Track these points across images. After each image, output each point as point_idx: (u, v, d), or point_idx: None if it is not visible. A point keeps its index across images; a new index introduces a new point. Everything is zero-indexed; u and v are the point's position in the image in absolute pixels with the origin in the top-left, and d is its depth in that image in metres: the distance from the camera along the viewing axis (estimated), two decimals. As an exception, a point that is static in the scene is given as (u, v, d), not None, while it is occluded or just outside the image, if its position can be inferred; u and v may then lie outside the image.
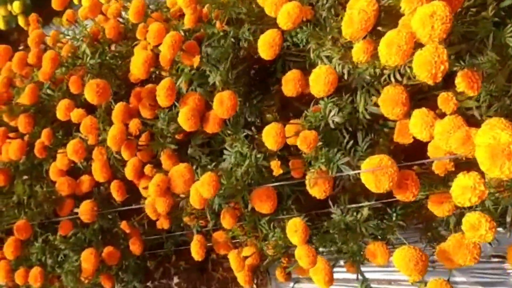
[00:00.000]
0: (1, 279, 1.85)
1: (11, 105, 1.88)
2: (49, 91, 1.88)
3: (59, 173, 1.89)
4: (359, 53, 1.14)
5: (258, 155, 1.35)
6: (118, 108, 1.60)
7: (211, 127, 1.37)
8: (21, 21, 4.00)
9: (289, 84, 1.33)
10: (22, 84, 2.04)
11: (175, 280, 2.62)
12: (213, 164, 1.54)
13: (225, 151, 1.47)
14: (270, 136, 1.25)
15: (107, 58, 1.84)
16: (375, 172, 1.11)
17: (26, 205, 1.96)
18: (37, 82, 1.92)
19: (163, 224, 1.73)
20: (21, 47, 4.33)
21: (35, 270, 1.80)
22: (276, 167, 1.25)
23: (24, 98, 1.79)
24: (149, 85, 1.77)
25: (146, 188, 1.63)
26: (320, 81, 1.19)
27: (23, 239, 1.81)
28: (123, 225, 1.91)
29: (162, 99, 1.40)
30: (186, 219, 1.71)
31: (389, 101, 1.16)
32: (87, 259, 1.79)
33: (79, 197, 1.95)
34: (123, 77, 1.93)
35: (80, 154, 1.66)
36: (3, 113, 1.93)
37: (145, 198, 1.84)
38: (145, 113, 1.73)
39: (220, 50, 1.48)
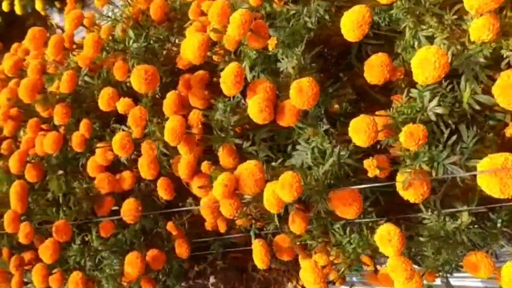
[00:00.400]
0: (37, 284, 1.70)
1: (45, 94, 1.71)
2: (87, 78, 1.70)
3: (98, 168, 1.72)
4: (481, 30, 0.95)
5: (342, 152, 1.17)
6: (170, 98, 1.42)
7: (287, 120, 1.19)
8: (38, 5, 3.83)
9: (375, 69, 1.14)
10: (55, 70, 1.86)
11: (211, 280, 2.46)
12: (279, 160, 1.37)
13: (298, 147, 1.28)
14: (361, 131, 1.07)
15: (151, 41, 1.66)
16: (499, 174, 0.93)
17: (62, 203, 1.80)
18: (73, 68, 1.75)
19: (220, 226, 1.55)
20: (38, 34, 4.14)
21: (76, 275, 1.64)
22: (371, 167, 1.06)
23: (62, 86, 1.61)
24: (200, 72, 1.60)
25: (202, 187, 1.46)
26: (428, 65, 0.99)
27: (62, 241, 1.65)
28: (169, 226, 1.75)
29: (229, 87, 1.21)
30: (241, 221, 1.54)
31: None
32: (132, 263, 1.63)
33: (117, 194, 1.80)
34: (164, 63, 1.75)
35: (128, 149, 1.49)
36: (36, 103, 1.76)
37: (195, 197, 1.69)
38: (196, 103, 1.55)
39: (289, 31, 1.29)
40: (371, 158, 1.07)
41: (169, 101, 1.42)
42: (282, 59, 1.26)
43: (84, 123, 1.69)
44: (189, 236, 1.80)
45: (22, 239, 1.62)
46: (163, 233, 1.86)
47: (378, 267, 1.42)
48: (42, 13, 3.96)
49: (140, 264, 1.63)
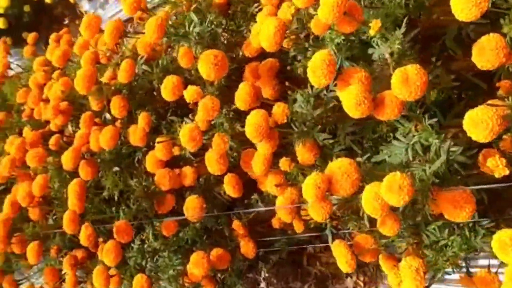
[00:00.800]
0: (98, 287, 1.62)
1: (100, 85, 1.60)
2: (144, 67, 1.59)
3: (158, 164, 1.62)
4: None
5: (453, 148, 1.04)
6: (244, 89, 1.31)
7: (388, 113, 1.06)
8: (67, -7, 3.73)
9: (487, 53, 1.00)
10: (106, 60, 1.76)
11: (263, 274, 2.36)
12: (364, 157, 1.25)
13: (395, 142, 1.16)
14: (481, 125, 0.94)
15: (213, 26, 1.53)
16: None
17: (121, 201, 1.71)
18: (128, 57, 1.64)
19: (296, 226, 1.44)
20: (66, 22, 4.07)
21: (141, 278, 1.56)
22: (499, 166, 0.93)
23: (121, 76, 1.51)
24: (270, 60, 1.48)
25: (279, 185, 1.35)
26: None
27: (124, 242, 1.57)
28: (236, 224, 1.65)
29: (319, 77, 1.09)
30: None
31: None
32: (197, 263, 1.53)
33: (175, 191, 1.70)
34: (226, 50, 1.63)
35: (197, 142, 1.38)
36: (91, 95, 1.66)
37: (260, 193, 1.59)
38: (266, 94, 1.44)
39: (382, 11, 1.15)
40: (497, 156, 0.94)
41: (243, 92, 1.30)
42: (377, 44, 1.12)
43: (143, 116, 1.58)
44: (253, 234, 1.70)
45: (84, 241, 1.54)
46: (225, 231, 1.76)
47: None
48: (71, 0, 3.86)
49: (206, 264, 1.54)
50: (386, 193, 0.99)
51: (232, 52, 1.53)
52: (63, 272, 2.12)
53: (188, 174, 1.61)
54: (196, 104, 1.42)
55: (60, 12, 4.08)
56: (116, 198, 1.76)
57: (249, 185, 1.60)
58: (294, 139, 1.27)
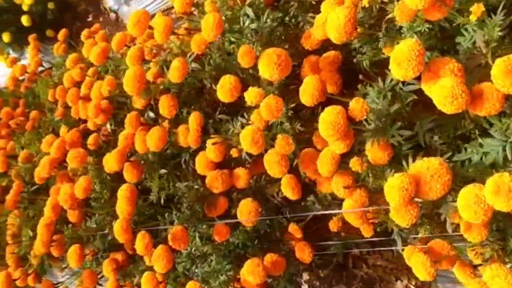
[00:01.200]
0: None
1: (147, 84, 1.52)
2: (194, 65, 1.50)
3: (209, 166, 1.54)
4: None
5: None
6: (310, 83, 1.21)
7: (488, 108, 0.96)
8: (91, -11, 3.67)
9: None
10: (152, 57, 1.67)
11: (305, 277, 2.27)
12: (445, 155, 1.14)
13: (488, 140, 1.06)
14: None
15: (268, 21, 1.43)
16: None
17: (166, 205, 1.63)
18: (176, 54, 1.55)
19: (364, 231, 1.35)
20: (89, 19, 4.00)
21: (194, 285, 1.47)
22: None
23: (172, 74, 1.42)
24: (332, 52, 1.38)
25: (348, 187, 1.26)
26: None
27: (180, 249, 1.48)
28: (292, 228, 1.56)
29: (405, 70, 0.99)
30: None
31: None
32: (253, 271, 1.44)
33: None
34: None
35: (260, 145, 1.29)
36: (137, 94, 1.57)
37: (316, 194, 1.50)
38: (329, 88, 1.34)
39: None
40: None
41: (310, 87, 1.20)
42: (470, 31, 1.02)
43: (195, 117, 1.50)
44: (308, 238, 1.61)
45: (141, 250, 1.46)
46: (276, 235, 1.67)
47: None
48: (95, -3, 3.80)
49: (262, 272, 1.45)
50: (491, 196, 0.89)
51: (289, 47, 1.43)
52: (99, 276, 2.06)
53: (241, 175, 1.52)
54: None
55: (83, 9, 4.02)
56: (162, 201, 1.68)
57: (305, 186, 1.51)
58: (368, 137, 1.17)
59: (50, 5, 3.64)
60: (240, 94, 1.37)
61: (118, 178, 1.88)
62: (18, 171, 2.12)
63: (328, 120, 1.07)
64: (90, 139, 1.94)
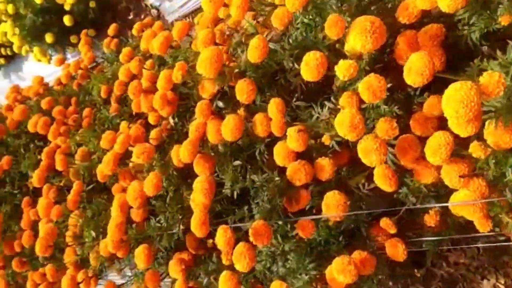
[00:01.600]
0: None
1: (222, 68, 1.40)
2: (272, 46, 1.38)
3: (290, 156, 1.42)
4: None
5: None
6: (421, 59, 1.07)
7: None
8: (131, -13, 3.61)
9: None
10: (222, 39, 1.56)
11: (376, 276, 2.11)
12: None
13: None
14: None
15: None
16: None
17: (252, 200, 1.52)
18: (253, 34, 1.44)
19: (480, 226, 1.20)
20: (130, 17, 3.95)
21: (280, 285, 1.36)
22: None
23: (251, 55, 1.30)
24: (433, 25, 1.24)
25: (464, 176, 1.12)
26: None
27: (262, 246, 1.37)
28: (385, 223, 1.42)
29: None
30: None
31: None
32: (343, 270, 1.31)
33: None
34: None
35: (360, 131, 1.16)
36: (207, 79, 1.46)
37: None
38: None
39: None
40: None
41: (420, 64, 1.07)
42: None
43: (276, 103, 1.38)
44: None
45: (223, 246, 1.34)
46: (361, 231, 1.54)
47: None
48: (136, -5, 3.75)
49: (354, 271, 1.32)
50: None
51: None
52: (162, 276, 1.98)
53: (325, 166, 1.40)
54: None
55: (124, 7, 3.98)
56: (235, 195, 1.57)
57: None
58: (491, 118, 1.03)
59: (92, 4, 3.60)
60: (326, 72, 1.24)
61: (183, 174, 1.79)
62: (76, 169, 2.05)
63: (458, 98, 0.93)
64: (153, 134, 1.85)
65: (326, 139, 1.29)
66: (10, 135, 2.59)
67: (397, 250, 1.42)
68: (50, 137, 2.14)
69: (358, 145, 1.24)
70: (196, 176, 1.70)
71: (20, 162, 2.44)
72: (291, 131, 1.36)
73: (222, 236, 1.32)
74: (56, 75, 3.88)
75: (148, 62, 2.03)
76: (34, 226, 2.22)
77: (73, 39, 3.70)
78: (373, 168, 1.29)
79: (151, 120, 1.89)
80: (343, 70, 1.19)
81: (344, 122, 1.16)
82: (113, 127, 2.21)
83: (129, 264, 2.22)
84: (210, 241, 1.81)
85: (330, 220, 1.50)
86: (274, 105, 1.38)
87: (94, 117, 2.27)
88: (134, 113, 2.16)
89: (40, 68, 4.10)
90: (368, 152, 1.22)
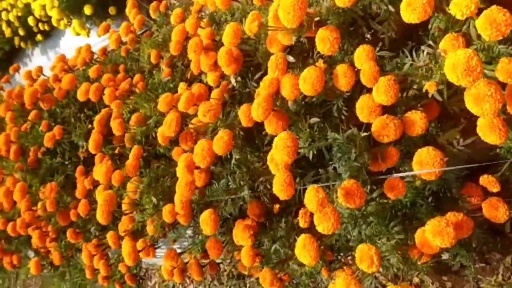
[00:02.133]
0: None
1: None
2: None
3: (377, 110, 1.31)
4: None
5: None
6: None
7: None
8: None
9: None
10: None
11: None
12: None
13: None
14: None
15: None
16: None
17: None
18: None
19: None
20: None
21: (368, 250, 1.25)
22: None
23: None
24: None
25: None
26: None
27: (355, 206, 1.25)
28: (486, 181, 1.30)
29: None
30: None
31: None
32: (440, 232, 1.21)
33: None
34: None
35: (478, 74, 1.03)
36: (281, 31, 1.34)
37: None
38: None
39: None
40: None
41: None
42: None
43: (366, 50, 1.25)
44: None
45: (314, 207, 1.22)
46: (451, 191, 1.42)
47: None
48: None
49: (453, 233, 1.21)
50: None
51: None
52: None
53: (416, 120, 1.27)
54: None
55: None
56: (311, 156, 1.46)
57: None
58: None
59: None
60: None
61: (249, 135, 1.70)
62: (132, 135, 1.97)
63: None
64: (214, 94, 1.75)
65: (430, 87, 1.16)
66: (58, 105, 2.53)
67: (498, 211, 1.29)
68: (106, 101, 2.05)
69: (466, 92, 1.11)
70: (263, 136, 1.61)
71: (71, 132, 2.38)
72: (383, 81, 1.24)
73: (313, 197, 1.21)
74: (96, 48, 3.84)
75: (205, 20, 1.92)
76: (88, 196, 2.18)
77: (111, 10, 3.63)
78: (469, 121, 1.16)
79: (210, 80, 1.79)
80: (461, 7, 1.05)
81: (458, 66, 1.03)
82: (166, 91, 2.12)
83: (184, 233, 2.16)
84: (277, 206, 1.72)
85: (417, 180, 1.38)
86: (364, 53, 1.26)
87: (146, 83, 2.19)
88: (188, 76, 2.08)
89: (78, 42, 4.05)
90: (481, 99, 1.08)
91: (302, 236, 1.34)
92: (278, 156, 1.29)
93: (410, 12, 1.11)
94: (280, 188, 1.28)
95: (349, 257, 1.70)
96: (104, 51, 2.77)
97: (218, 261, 2.78)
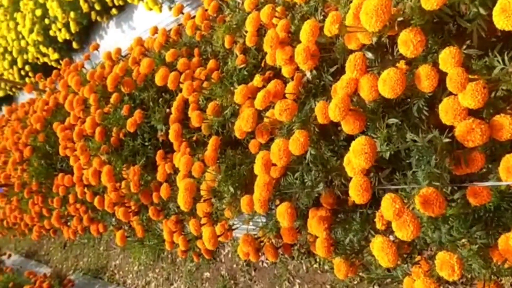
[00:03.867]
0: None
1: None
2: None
3: (462, 113, 1.25)
4: None
5: None
6: None
7: None
8: None
9: None
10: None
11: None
12: None
13: None
14: None
15: None
16: None
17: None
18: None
19: None
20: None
21: (448, 258, 1.24)
22: None
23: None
24: None
25: None
26: None
27: (433, 215, 1.24)
28: None
29: None
30: None
31: None
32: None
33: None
34: None
35: None
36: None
37: None
38: None
39: None
40: None
41: None
42: None
43: (452, 52, 1.19)
44: None
45: (391, 216, 1.22)
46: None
47: None
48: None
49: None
50: None
51: None
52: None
53: (505, 125, 1.21)
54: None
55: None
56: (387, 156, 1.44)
57: None
58: None
59: None
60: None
61: (323, 130, 1.70)
62: (209, 124, 2.04)
63: None
64: (289, 88, 1.76)
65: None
66: (137, 88, 2.65)
67: None
68: (185, 94, 2.12)
69: None
70: (339, 131, 1.61)
71: (150, 116, 2.50)
72: (471, 86, 1.18)
73: (390, 206, 1.21)
74: (166, 22, 3.92)
75: (279, 9, 1.90)
76: (169, 179, 2.31)
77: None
78: None
79: (285, 73, 1.79)
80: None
81: None
82: (241, 78, 2.15)
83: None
84: (352, 199, 1.73)
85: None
86: (450, 56, 1.20)
87: (221, 69, 2.22)
88: (263, 64, 2.08)
89: (151, 17, 4.15)
90: None
91: (379, 239, 1.35)
92: (356, 161, 1.29)
93: (504, 19, 1.03)
94: (357, 193, 1.29)
95: (427, 252, 1.69)
96: (177, 31, 2.83)
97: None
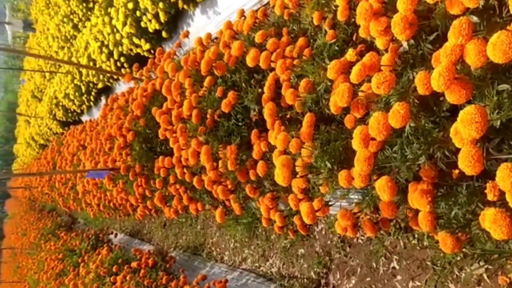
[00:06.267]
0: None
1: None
2: None
3: None
4: None
5: None
6: None
7: None
8: None
9: None
10: None
11: None
12: None
13: None
14: None
15: None
16: None
17: None
18: None
19: None
20: None
21: None
22: None
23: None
24: None
25: None
26: None
27: None
28: None
29: None
30: None
31: None
32: None
33: None
34: None
35: None
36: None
37: None
38: None
39: None
40: None
41: None
42: None
43: None
44: None
45: (508, 187, 1.18)
46: None
47: None
48: None
49: None
50: None
51: None
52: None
53: None
54: None
55: None
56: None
57: None
58: None
59: None
60: None
61: (423, 101, 1.64)
62: (302, 101, 2.06)
63: None
64: (385, 59, 1.72)
65: None
66: (229, 70, 2.74)
67: None
68: (278, 72, 2.16)
69: None
70: (440, 102, 1.55)
71: (243, 96, 2.58)
72: None
73: (507, 176, 1.15)
74: (249, 5, 3.96)
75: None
76: (264, 157, 2.37)
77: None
78: None
79: (380, 44, 1.75)
80: None
81: None
82: (331, 54, 2.14)
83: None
84: (456, 171, 1.67)
85: None
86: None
87: (310, 46, 2.22)
88: (354, 38, 2.05)
89: (234, 1, 4.23)
90: None
91: (493, 210, 1.30)
92: (465, 131, 1.24)
93: None
94: (468, 164, 1.25)
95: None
96: (264, 12, 2.86)
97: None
